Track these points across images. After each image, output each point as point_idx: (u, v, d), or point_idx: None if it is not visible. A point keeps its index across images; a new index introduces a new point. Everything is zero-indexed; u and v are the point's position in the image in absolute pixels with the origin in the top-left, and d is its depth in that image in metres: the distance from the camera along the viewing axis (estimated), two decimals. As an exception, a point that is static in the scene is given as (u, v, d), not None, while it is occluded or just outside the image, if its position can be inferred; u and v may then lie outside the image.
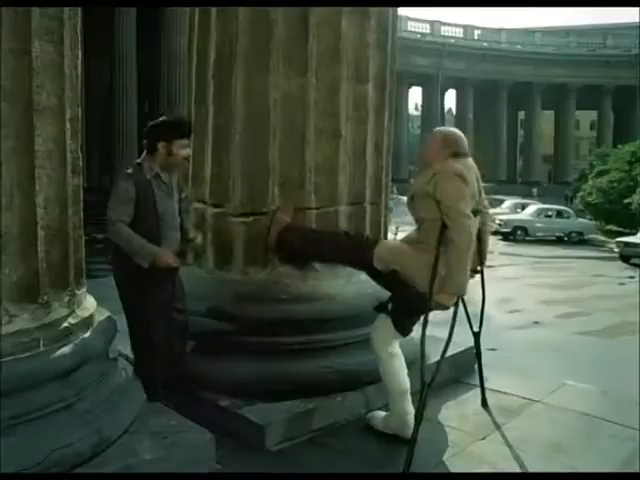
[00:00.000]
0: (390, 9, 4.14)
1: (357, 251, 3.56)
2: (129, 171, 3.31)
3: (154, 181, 3.30)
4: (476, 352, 3.99)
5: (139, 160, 3.37)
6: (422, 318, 3.32)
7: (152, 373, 3.25)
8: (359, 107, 3.94)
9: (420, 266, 3.18)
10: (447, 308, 3.17)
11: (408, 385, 3.38)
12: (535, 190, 46.48)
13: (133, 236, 3.16)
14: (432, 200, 3.18)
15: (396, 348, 3.41)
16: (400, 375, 3.38)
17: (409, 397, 3.37)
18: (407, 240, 3.42)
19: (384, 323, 3.39)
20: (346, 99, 3.87)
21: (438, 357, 3.21)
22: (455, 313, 3.25)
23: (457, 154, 3.35)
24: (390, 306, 3.41)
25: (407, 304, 3.33)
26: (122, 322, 3.25)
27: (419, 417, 3.10)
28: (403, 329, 3.41)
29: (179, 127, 3.39)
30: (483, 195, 3.46)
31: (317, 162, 3.82)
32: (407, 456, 3.01)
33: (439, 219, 3.15)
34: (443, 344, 3.24)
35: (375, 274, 3.46)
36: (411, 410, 3.32)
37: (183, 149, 3.36)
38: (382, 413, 3.55)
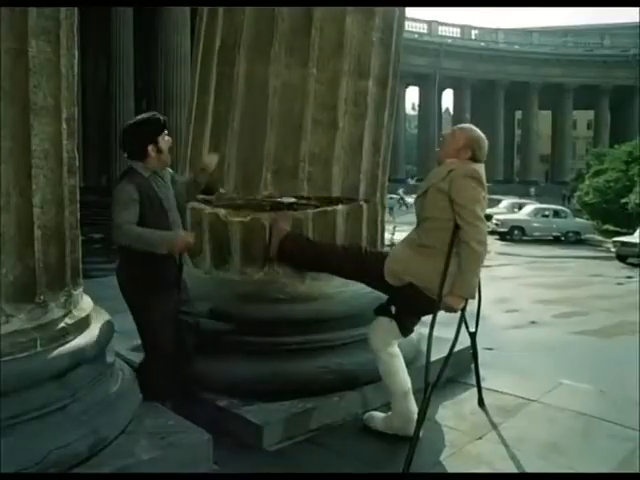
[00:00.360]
0: (397, 9, 4.14)
1: (355, 264, 3.52)
2: (126, 176, 3.27)
3: (152, 180, 3.29)
4: (472, 352, 3.99)
5: (130, 165, 3.32)
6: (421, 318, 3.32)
7: (154, 375, 3.25)
8: (359, 102, 3.95)
9: (430, 271, 3.15)
10: (456, 311, 3.16)
11: (410, 384, 3.38)
12: (533, 190, 46.57)
13: (142, 230, 3.13)
14: (446, 198, 3.14)
15: (396, 348, 3.40)
16: (401, 375, 3.38)
17: (412, 396, 3.36)
18: (408, 243, 3.36)
19: (385, 325, 3.36)
20: (346, 93, 3.87)
21: (437, 356, 3.21)
22: (462, 315, 3.26)
23: (476, 158, 3.32)
24: (393, 309, 3.37)
25: (414, 308, 3.31)
26: (119, 322, 3.25)
27: (421, 417, 3.10)
28: (405, 330, 3.41)
29: (157, 124, 3.34)
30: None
31: (312, 152, 3.83)
32: (407, 456, 3.01)
33: (451, 219, 3.13)
34: (441, 343, 3.25)
35: (386, 287, 3.36)
36: (415, 409, 3.31)
37: (165, 142, 3.33)
38: (380, 414, 3.54)
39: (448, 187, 3.14)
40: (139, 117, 3.41)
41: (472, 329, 3.90)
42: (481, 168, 3.30)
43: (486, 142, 3.40)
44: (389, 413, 3.47)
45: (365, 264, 3.49)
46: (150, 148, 3.25)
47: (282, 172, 3.81)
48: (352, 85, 3.91)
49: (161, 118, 3.37)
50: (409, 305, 3.32)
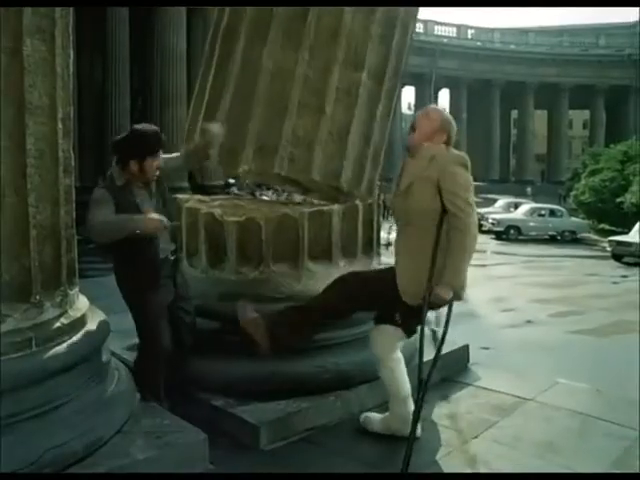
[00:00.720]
0: (402, 9, 4.12)
1: (358, 295, 3.31)
2: (102, 182, 3.25)
3: (128, 187, 3.23)
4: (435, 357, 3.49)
5: (109, 172, 3.29)
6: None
7: (150, 375, 3.25)
8: (350, 92, 3.94)
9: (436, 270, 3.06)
10: (446, 302, 3.08)
11: (409, 388, 3.33)
12: (529, 189, 46.62)
13: (112, 218, 3.10)
14: (434, 186, 3.03)
15: (399, 353, 3.35)
16: (404, 379, 3.33)
17: (411, 399, 3.32)
18: (407, 252, 3.18)
19: (390, 332, 3.28)
20: (338, 82, 3.86)
21: (430, 356, 3.19)
22: (450, 309, 3.17)
23: (449, 142, 3.21)
24: (398, 316, 3.24)
25: (419, 311, 3.15)
26: (115, 322, 3.24)
27: (416, 416, 3.07)
28: (411, 332, 3.35)
29: (150, 144, 3.26)
30: None
31: (297, 134, 3.82)
32: (405, 455, 2.97)
33: (438, 207, 3.04)
34: (435, 342, 3.24)
35: (405, 306, 3.17)
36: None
37: (154, 162, 3.25)
38: (377, 415, 3.51)
39: (435, 174, 3.03)
40: (143, 128, 3.33)
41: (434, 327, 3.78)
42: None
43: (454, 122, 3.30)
44: (386, 414, 3.45)
45: (372, 291, 3.30)
46: (132, 163, 3.20)
47: (264, 150, 3.81)
48: (346, 75, 3.89)
49: (158, 139, 3.29)
50: (414, 309, 3.16)
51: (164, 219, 3.20)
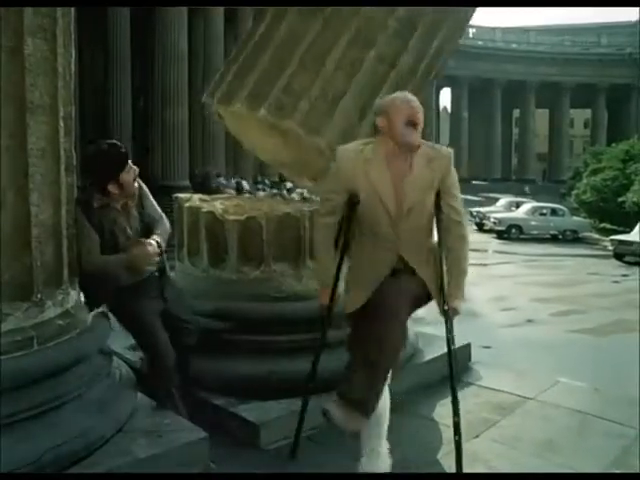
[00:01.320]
0: (431, 13, 4.12)
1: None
2: (79, 205, 3.04)
3: (104, 209, 3.13)
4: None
5: (83, 195, 3.11)
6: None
7: (159, 378, 3.20)
8: (354, 65, 3.94)
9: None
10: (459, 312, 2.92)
11: None
12: (527, 188, 46.65)
13: (98, 261, 3.00)
14: (433, 192, 2.79)
15: None
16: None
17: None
18: (423, 261, 2.86)
19: None
20: (342, 53, 3.88)
21: (432, 355, 3.20)
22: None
23: None
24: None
25: None
26: (116, 320, 3.24)
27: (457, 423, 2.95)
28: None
29: (119, 161, 3.12)
30: None
31: (292, 87, 3.85)
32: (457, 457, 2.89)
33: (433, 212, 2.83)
34: (435, 341, 3.24)
35: None
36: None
37: (128, 174, 3.14)
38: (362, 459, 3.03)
39: (436, 178, 2.76)
40: (100, 148, 3.16)
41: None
42: None
43: None
44: (364, 458, 3.01)
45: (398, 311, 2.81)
46: (111, 186, 3.09)
47: (258, 96, 3.84)
48: (353, 49, 3.89)
49: (122, 152, 3.15)
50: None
51: (153, 242, 3.11)
